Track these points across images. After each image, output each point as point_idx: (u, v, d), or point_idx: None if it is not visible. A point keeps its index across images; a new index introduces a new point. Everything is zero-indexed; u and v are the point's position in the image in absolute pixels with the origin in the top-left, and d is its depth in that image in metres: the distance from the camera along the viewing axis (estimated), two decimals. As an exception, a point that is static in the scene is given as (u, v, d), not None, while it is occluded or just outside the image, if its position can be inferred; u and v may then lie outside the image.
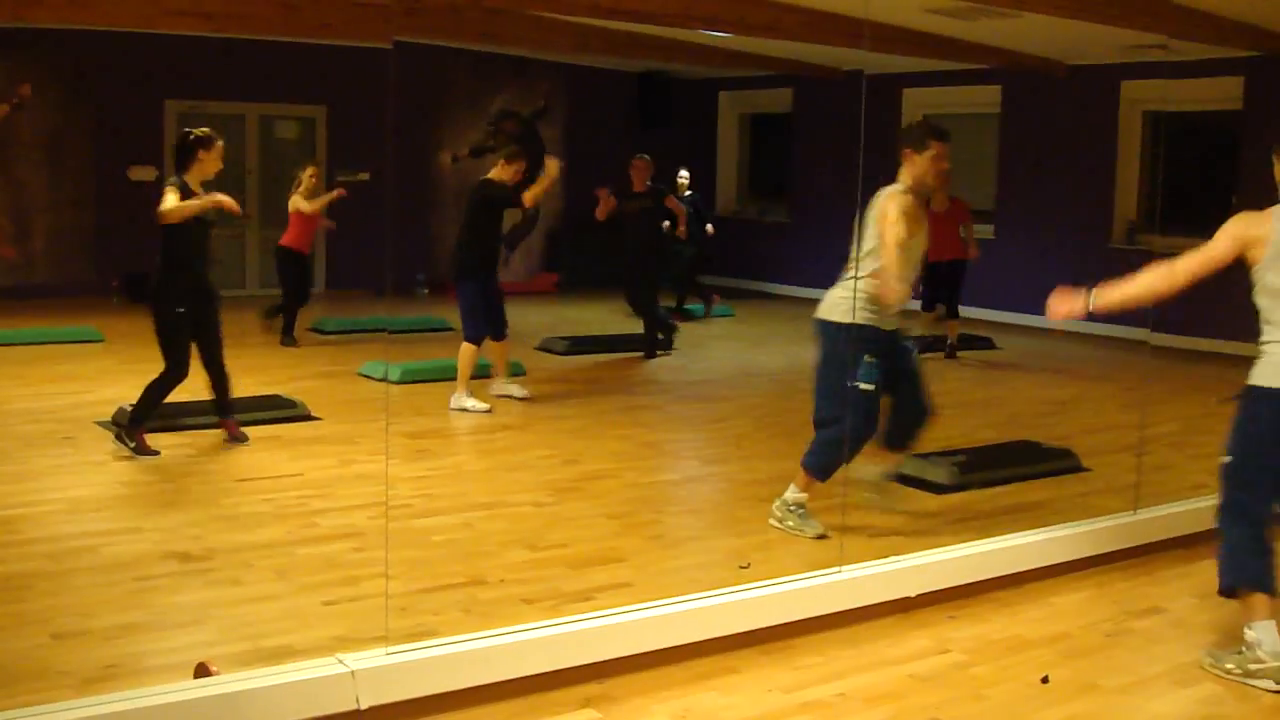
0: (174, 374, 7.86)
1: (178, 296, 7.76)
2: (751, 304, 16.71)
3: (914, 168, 6.53)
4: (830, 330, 6.51)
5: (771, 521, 6.70)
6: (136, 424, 7.84)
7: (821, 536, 6.48)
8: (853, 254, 6.62)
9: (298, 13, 12.40)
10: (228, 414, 8.26)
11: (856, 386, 6.42)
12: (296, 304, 12.52)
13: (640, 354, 12.38)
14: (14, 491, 6.91)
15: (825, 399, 6.56)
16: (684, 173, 15.70)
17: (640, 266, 12.56)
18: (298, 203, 12.28)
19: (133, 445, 7.78)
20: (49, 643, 4.82)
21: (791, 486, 6.69)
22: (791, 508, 6.65)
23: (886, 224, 6.37)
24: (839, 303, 6.53)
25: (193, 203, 7.64)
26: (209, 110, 15.47)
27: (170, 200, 7.52)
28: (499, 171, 9.83)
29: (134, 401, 7.89)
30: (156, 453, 7.80)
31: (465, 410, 9.50)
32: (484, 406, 9.56)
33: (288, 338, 12.37)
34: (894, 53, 13.47)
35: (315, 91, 16.24)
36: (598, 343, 12.86)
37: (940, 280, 12.42)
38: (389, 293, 14.03)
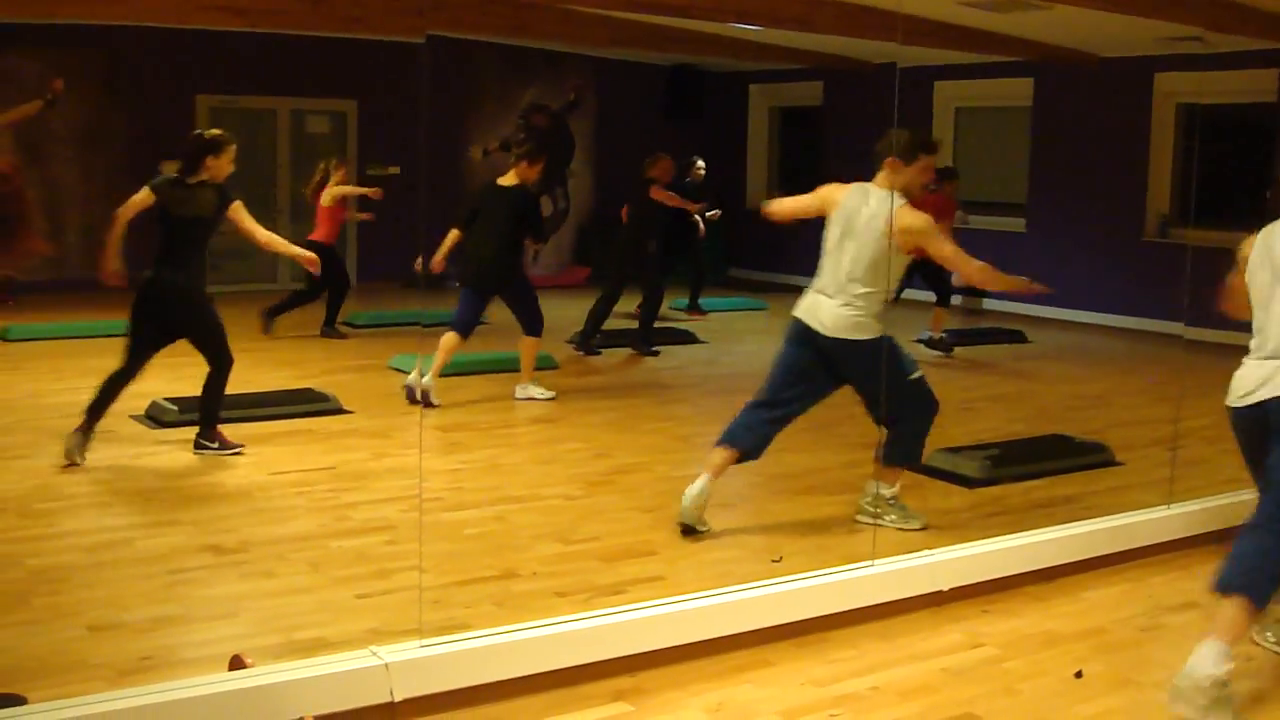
0: (226, 364, 7.84)
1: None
2: (783, 297, 16.63)
3: (900, 177, 6.46)
4: (867, 348, 6.38)
5: (863, 519, 6.68)
6: (210, 424, 7.82)
7: (924, 527, 6.55)
8: (843, 268, 6.49)
9: (329, 7, 12.43)
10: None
11: (909, 380, 6.49)
12: (338, 296, 12.64)
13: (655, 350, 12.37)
14: (49, 485, 6.96)
15: (887, 402, 6.47)
16: (700, 163, 15.63)
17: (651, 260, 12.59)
18: (327, 195, 12.36)
19: (215, 445, 7.76)
20: (84, 635, 4.85)
21: (879, 484, 6.68)
22: (890, 501, 6.67)
23: (935, 241, 6.38)
24: (862, 322, 6.40)
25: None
26: (241, 105, 15.55)
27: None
28: (523, 172, 9.79)
29: (169, 395, 7.90)
30: (240, 446, 7.82)
31: (533, 399, 9.70)
32: (549, 394, 9.77)
33: (330, 329, 12.53)
34: (926, 45, 13.42)
35: (346, 86, 16.27)
36: (628, 336, 12.84)
37: (929, 273, 12.32)
38: (422, 286, 14.02)
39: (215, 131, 7.82)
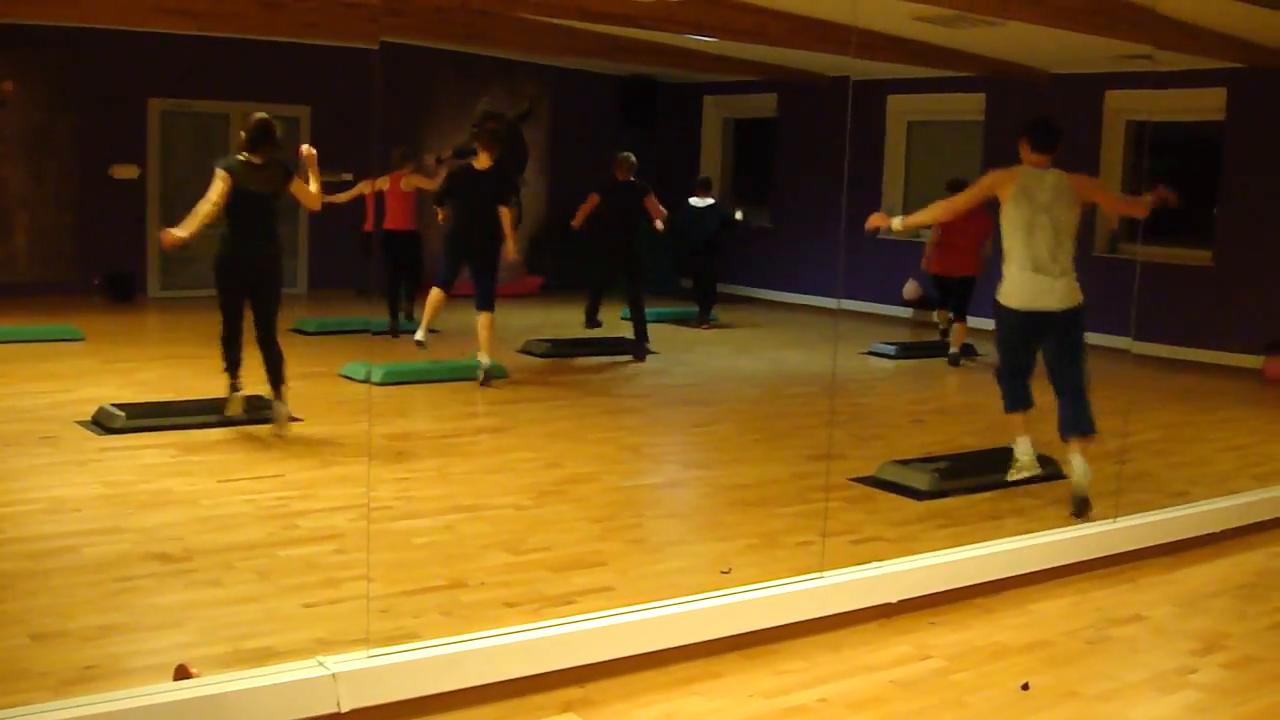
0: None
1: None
2: (734, 308, 16.70)
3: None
4: (1084, 310, 7.39)
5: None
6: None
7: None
8: (1047, 244, 7.21)
9: (282, 12, 12.38)
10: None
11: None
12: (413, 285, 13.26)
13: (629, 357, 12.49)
14: (-7, 490, 6.89)
15: (1073, 369, 7.49)
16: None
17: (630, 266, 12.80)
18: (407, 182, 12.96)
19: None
20: (27, 643, 4.80)
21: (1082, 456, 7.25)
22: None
23: (1105, 190, 7.28)
24: (1078, 286, 7.32)
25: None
26: (193, 109, 15.46)
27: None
28: (484, 160, 10.69)
29: (117, 401, 7.86)
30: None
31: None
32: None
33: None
34: (879, 59, 13.51)
35: (299, 91, 16.20)
36: (580, 345, 12.85)
37: (950, 291, 12.72)
38: (371, 293, 14.01)
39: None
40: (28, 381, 10.01)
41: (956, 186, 13.07)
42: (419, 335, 10.80)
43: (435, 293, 10.80)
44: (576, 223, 12.79)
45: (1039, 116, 7.56)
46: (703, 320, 15.22)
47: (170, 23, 12.70)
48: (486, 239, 10.76)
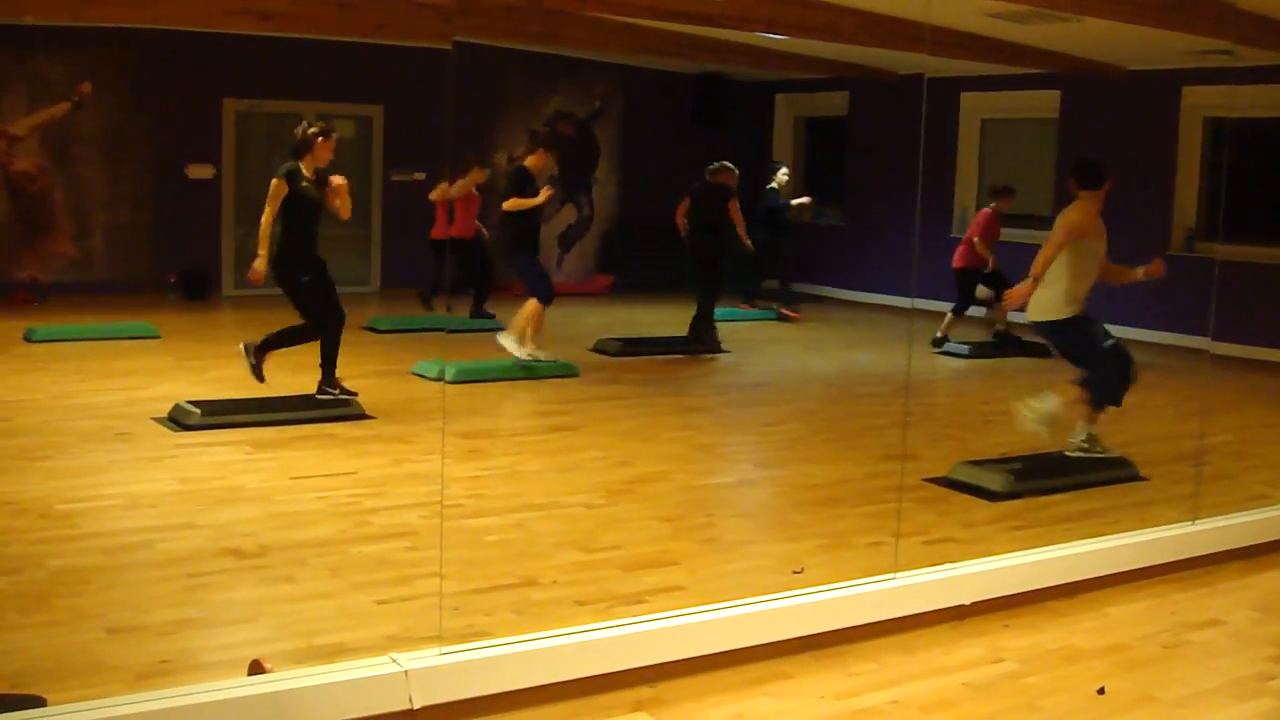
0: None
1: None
2: (806, 307, 16.63)
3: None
4: None
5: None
6: (265, 350, 8.95)
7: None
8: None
9: (355, 12, 12.45)
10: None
11: None
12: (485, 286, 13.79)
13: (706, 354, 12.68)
14: (71, 486, 6.97)
15: None
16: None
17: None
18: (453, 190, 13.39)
19: (253, 362, 8.86)
20: (104, 637, 4.85)
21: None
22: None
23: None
24: None
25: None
26: (267, 109, 15.59)
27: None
28: (537, 160, 11.14)
29: (192, 398, 7.97)
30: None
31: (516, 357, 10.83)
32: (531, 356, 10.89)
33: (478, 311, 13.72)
34: (952, 56, 13.40)
35: (372, 91, 16.31)
36: (652, 344, 12.84)
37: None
38: (445, 292, 14.07)
39: (321, 123, 9.03)
40: (104, 379, 10.13)
41: (1000, 192, 13.31)
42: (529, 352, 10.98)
43: (538, 306, 11.00)
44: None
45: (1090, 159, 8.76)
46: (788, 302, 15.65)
47: (245, 24, 12.80)
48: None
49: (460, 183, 13.33)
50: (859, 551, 6.33)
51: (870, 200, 17.57)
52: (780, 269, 15.86)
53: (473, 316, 13.58)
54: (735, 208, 13.01)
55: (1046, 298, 8.20)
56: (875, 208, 17.29)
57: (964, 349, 13.19)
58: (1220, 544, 6.55)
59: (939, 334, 13.48)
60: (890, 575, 5.50)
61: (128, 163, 15.17)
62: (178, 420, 8.52)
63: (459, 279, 13.70)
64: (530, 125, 16.56)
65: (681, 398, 10.66)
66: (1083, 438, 8.34)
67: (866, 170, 17.76)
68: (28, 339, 11.74)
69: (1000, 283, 12.35)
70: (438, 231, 13.63)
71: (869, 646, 5.12)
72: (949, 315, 13.52)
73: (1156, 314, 14.31)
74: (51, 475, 7.18)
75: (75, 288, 14.42)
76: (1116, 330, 14.64)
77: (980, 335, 14.17)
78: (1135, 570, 6.15)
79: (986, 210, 13.29)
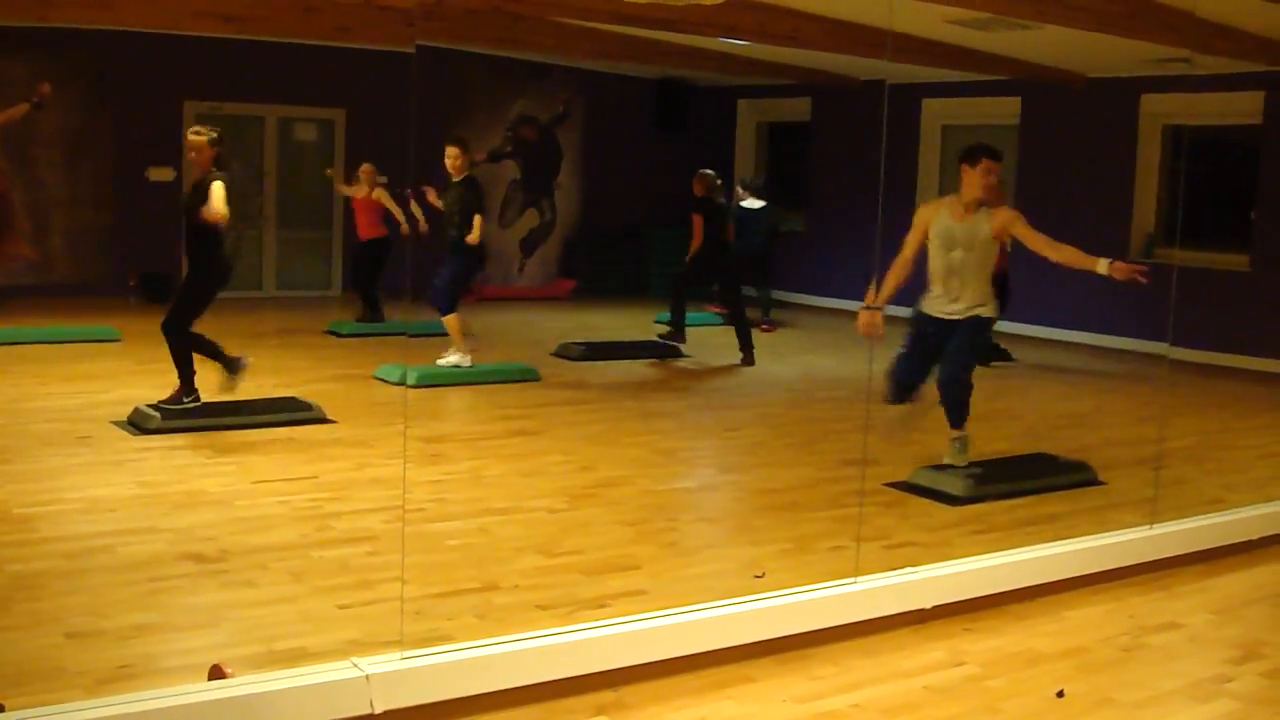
0: None
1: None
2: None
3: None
4: None
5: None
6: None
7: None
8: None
9: (317, 15, 12.41)
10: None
11: None
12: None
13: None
14: (30, 490, 6.92)
15: None
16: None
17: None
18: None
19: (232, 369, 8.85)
20: (63, 642, 4.82)
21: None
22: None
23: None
24: None
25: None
26: (228, 112, 15.51)
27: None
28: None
29: (155, 401, 7.95)
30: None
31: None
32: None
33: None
34: (914, 63, 13.46)
35: (335, 94, 16.26)
36: (613, 349, 12.85)
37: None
38: (407, 296, 14.05)
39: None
40: (64, 382, 10.07)
41: (970, 154, 13.07)
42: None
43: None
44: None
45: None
46: (763, 321, 15.30)
47: (206, 25, 12.76)
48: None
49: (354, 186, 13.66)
50: (821, 556, 6.35)
51: (832, 205, 17.61)
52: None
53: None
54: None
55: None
56: (837, 213, 17.33)
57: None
58: (1178, 548, 6.60)
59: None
60: (852, 579, 5.52)
61: (88, 165, 15.09)
62: (138, 424, 8.48)
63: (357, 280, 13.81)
64: (503, 130, 16.65)
65: (644, 402, 10.66)
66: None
67: (828, 176, 17.80)
68: (-14, 342, 11.66)
69: None
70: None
71: (831, 650, 5.14)
72: None
73: (1115, 319, 14.41)
74: (10, 479, 7.13)
75: (34, 290, 14.32)
76: (1076, 336, 14.89)
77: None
78: (1094, 574, 6.19)
79: None
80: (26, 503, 6.67)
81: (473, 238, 10.78)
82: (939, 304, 7.90)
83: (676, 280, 13.34)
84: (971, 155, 7.77)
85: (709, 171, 13.19)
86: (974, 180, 7.74)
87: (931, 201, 8.12)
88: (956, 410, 7.90)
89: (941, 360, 7.85)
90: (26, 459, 7.60)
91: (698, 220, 12.82)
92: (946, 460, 7.95)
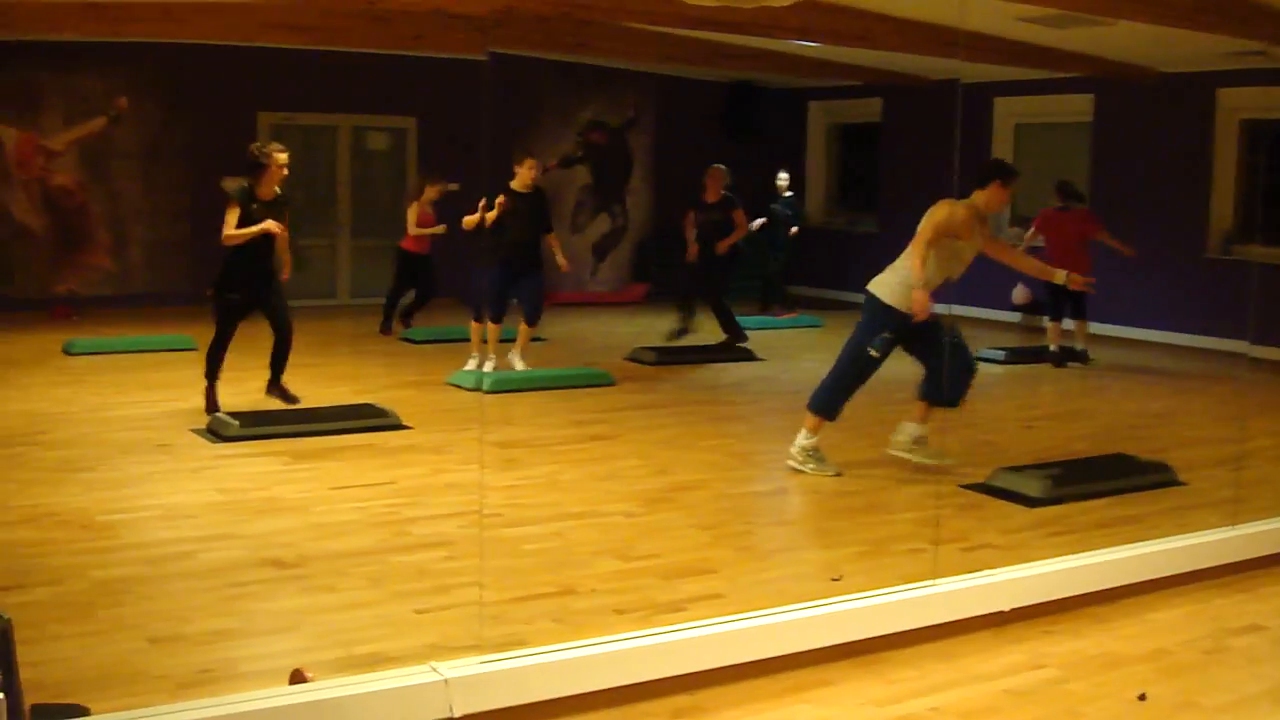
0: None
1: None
2: (840, 314, 16.58)
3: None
4: None
5: (792, 464, 8.05)
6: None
7: (838, 474, 7.94)
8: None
9: (389, 25, 12.49)
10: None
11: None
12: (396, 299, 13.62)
13: (730, 359, 12.77)
14: (112, 497, 7.02)
15: None
16: (783, 175, 16.03)
17: (707, 274, 13.16)
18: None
19: (282, 395, 9.18)
20: (145, 647, 4.88)
21: (803, 432, 8.09)
22: (810, 452, 8.04)
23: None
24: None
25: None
26: (302, 122, 15.66)
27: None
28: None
29: (232, 411, 8.07)
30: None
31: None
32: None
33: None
34: (986, 61, 13.35)
35: (406, 103, 16.36)
36: (687, 353, 12.84)
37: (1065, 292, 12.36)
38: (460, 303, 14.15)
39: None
40: (143, 390, 10.19)
41: (1065, 188, 13.00)
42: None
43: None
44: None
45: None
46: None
47: (280, 37, 12.86)
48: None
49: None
50: (898, 558, 6.31)
51: (904, 207, 17.47)
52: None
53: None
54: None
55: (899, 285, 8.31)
56: (909, 214, 17.18)
57: (1000, 355, 13.11)
58: (1261, 549, 6.51)
59: (1052, 347, 12.97)
60: (930, 582, 5.49)
61: (164, 176, 15.26)
62: (216, 431, 8.57)
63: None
64: (573, 136, 16.69)
65: (717, 406, 10.65)
66: (906, 436, 8.30)
67: (900, 177, 17.71)
68: (67, 352, 11.83)
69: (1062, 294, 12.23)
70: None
71: (909, 653, 5.11)
72: (1051, 325, 13.07)
73: (1193, 318, 14.24)
74: (92, 487, 7.24)
75: (113, 301, 14.52)
76: (1153, 335, 14.72)
77: (1016, 341, 14.13)
78: (1176, 575, 6.12)
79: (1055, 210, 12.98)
80: (108, 510, 6.76)
81: (562, 262, 11.39)
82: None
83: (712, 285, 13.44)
84: (1009, 176, 8.04)
85: (720, 166, 13.49)
86: (1003, 199, 8.10)
87: (952, 202, 8.14)
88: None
89: (951, 354, 8.08)
90: (108, 467, 7.70)
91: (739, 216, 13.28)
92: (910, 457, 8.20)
